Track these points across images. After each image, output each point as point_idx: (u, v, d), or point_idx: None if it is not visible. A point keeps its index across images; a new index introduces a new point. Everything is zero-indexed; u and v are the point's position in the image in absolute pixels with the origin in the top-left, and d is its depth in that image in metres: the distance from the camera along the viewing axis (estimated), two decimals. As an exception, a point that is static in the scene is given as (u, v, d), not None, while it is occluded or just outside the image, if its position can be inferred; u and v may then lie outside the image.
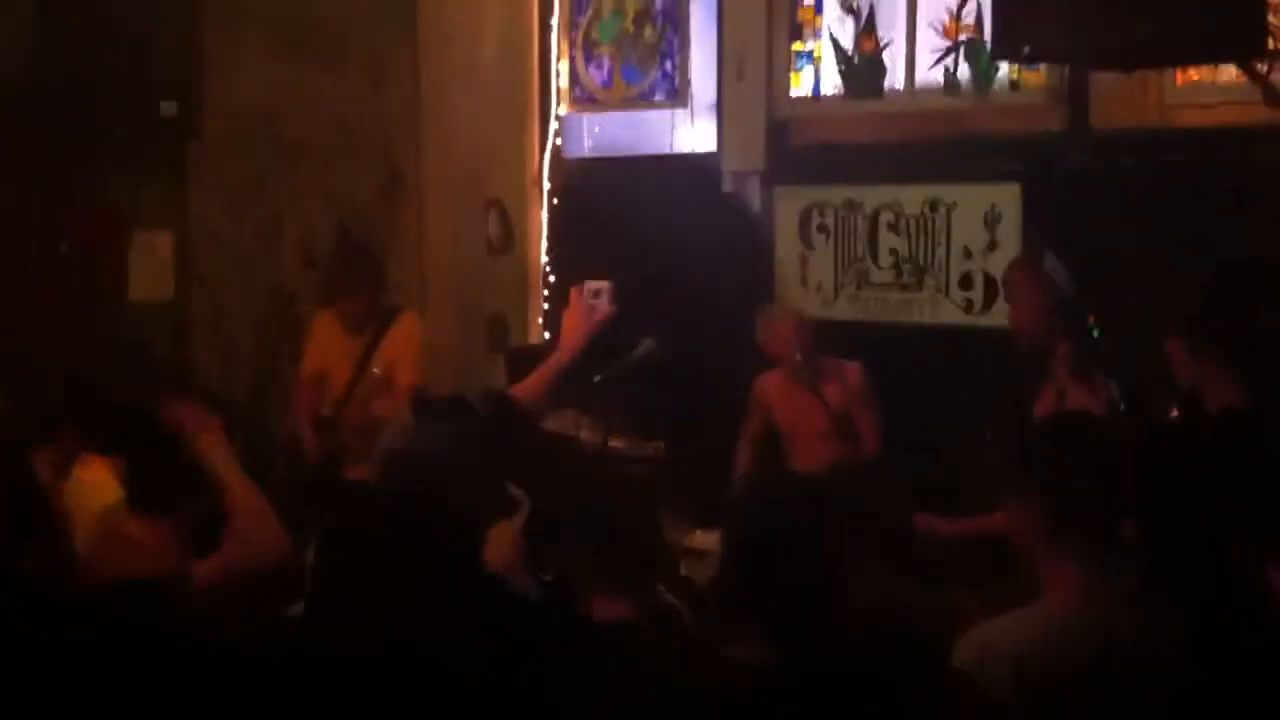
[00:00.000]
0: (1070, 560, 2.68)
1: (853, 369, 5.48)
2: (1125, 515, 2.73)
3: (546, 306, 7.07)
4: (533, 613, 2.94)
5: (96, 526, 3.35)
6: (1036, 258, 4.86)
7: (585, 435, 5.37)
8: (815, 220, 6.34)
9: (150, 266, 6.75)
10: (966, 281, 5.88)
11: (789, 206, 6.41)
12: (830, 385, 5.38)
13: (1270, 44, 4.23)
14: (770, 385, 5.63)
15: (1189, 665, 2.69)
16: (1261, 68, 4.04)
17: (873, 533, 3.81)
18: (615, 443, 5.52)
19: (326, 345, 5.92)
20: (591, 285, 3.56)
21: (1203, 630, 2.75)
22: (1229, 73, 4.95)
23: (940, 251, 5.97)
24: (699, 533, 4.79)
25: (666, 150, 6.84)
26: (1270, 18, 4.37)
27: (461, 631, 2.55)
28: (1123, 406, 3.83)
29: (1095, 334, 4.12)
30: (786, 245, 6.41)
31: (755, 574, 2.67)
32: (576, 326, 3.53)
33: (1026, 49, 3.86)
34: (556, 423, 5.34)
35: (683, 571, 4.55)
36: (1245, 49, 3.79)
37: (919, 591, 3.16)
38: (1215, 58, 4.45)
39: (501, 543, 3.29)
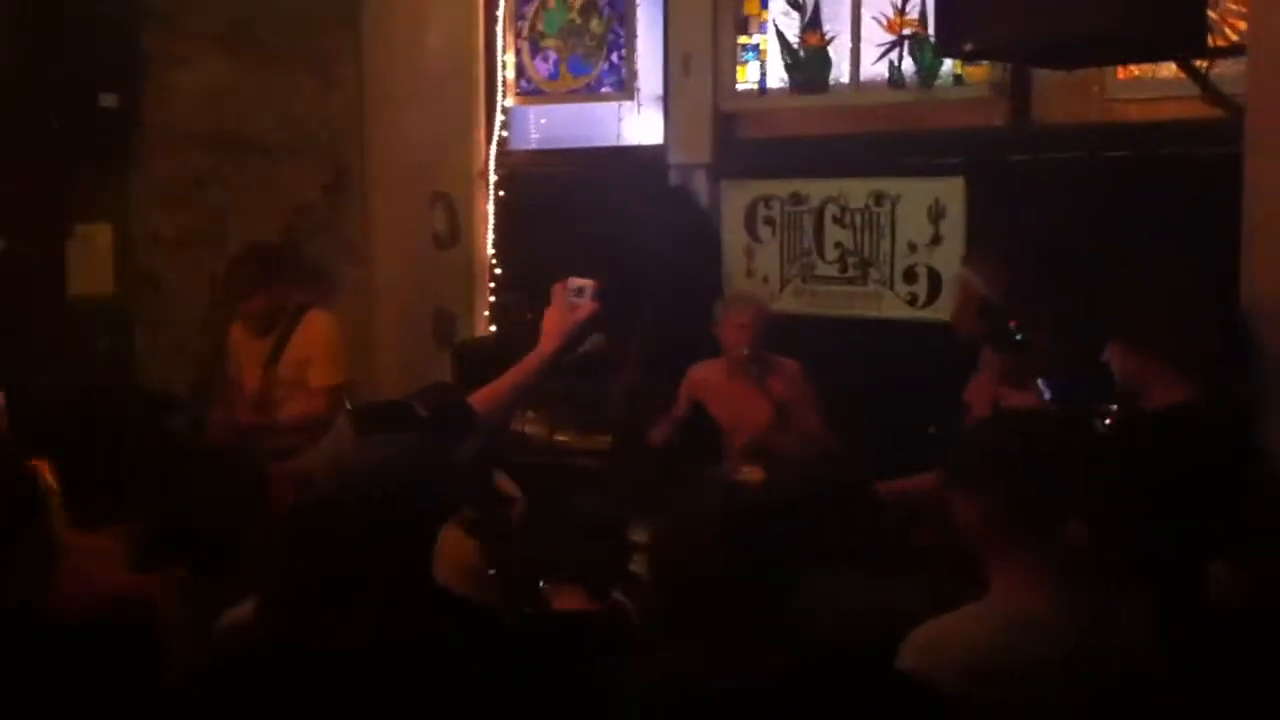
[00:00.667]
0: (1019, 556, 2.69)
1: (792, 365, 5.47)
2: (1074, 511, 2.74)
3: (493, 300, 7.05)
4: (480, 618, 2.92)
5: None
6: (973, 257, 4.88)
7: (531, 430, 5.36)
8: (761, 213, 6.35)
9: (89, 261, 6.66)
10: (911, 275, 5.90)
11: (735, 199, 6.42)
12: (773, 380, 5.37)
13: (1210, 42, 4.27)
14: (709, 376, 5.60)
15: (1140, 661, 2.70)
16: (1201, 65, 4.06)
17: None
18: (561, 437, 5.53)
19: (237, 352, 5.81)
20: (575, 282, 3.44)
21: (1153, 625, 2.77)
22: (1170, 68, 4.98)
23: (885, 245, 5.99)
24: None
25: (613, 142, 6.84)
26: (1210, 14, 4.43)
27: (406, 640, 2.53)
28: (1054, 407, 3.83)
29: (1018, 337, 4.12)
30: (733, 238, 6.42)
31: (691, 604, 2.63)
32: (558, 324, 3.40)
33: (969, 46, 3.87)
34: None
35: (631, 567, 4.55)
36: (1185, 47, 3.81)
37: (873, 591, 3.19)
38: (1156, 56, 4.47)
39: (457, 555, 3.27)
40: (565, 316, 3.40)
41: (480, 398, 3.33)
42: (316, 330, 5.70)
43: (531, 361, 3.40)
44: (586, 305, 3.41)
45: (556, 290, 3.44)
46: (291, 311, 5.69)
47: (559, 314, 3.41)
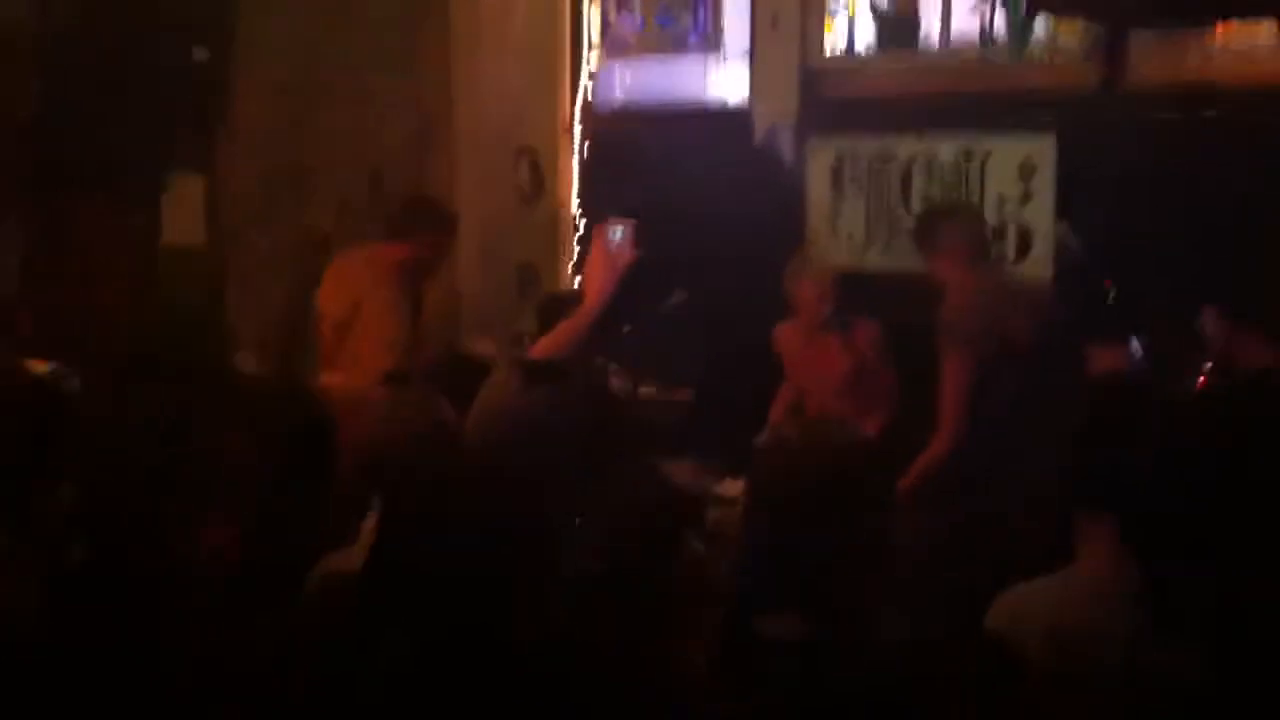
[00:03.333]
0: (1101, 524, 2.68)
1: (870, 326, 5.42)
2: (1158, 479, 2.72)
3: (577, 254, 7.07)
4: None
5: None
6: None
7: (615, 383, 5.37)
8: (848, 171, 6.32)
9: (184, 211, 6.77)
10: (1000, 232, 5.83)
11: (821, 157, 6.39)
12: (853, 339, 5.33)
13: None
14: (786, 337, 5.59)
15: (1220, 632, 2.69)
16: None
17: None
18: (645, 390, 5.55)
19: (402, 298, 5.61)
20: (613, 225, 3.37)
21: (1236, 598, 2.75)
22: (1268, 28, 4.90)
23: (974, 201, 5.93)
24: (728, 480, 4.82)
25: (699, 98, 6.81)
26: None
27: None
28: (1145, 366, 3.79)
29: (1110, 298, 4.08)
30: (818, 195, 6.39)
31: (787, 540, 2.64)
32: (601, 274, 3.32)
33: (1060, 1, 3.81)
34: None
35: (713, 516, 4.57)
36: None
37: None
38: (1254, 11, 4.38)
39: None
40: (607, 267, 3.32)
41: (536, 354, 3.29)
42: None
43: (582, 317, 3.31)
44: (626, 253, 3.33)
45: (596, 234, 3.37)
46: None
47: (601, 264, 3.31)
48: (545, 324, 6.64)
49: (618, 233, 3.35)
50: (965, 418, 4.44)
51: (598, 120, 7.08)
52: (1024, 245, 5.76)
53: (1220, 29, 5.24)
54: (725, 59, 6.72)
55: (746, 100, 6.62)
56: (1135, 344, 4.03)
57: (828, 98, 6.45)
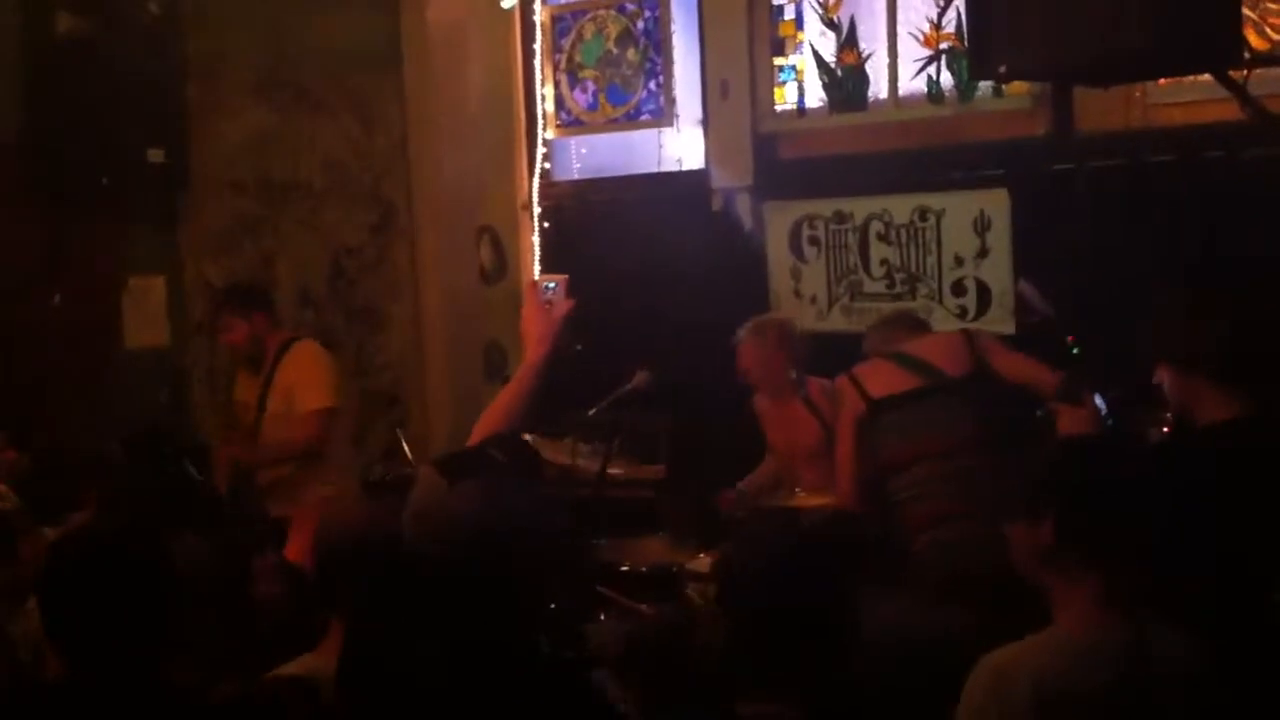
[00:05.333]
0: (1081, 582, 2.68)
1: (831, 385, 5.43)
2: (1133, 534, 2.73)
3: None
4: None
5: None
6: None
7: (584, 464, 5.36)
8: (806, 233, 6.34)
9: (145, 313, 6.75)
10: (959, 288, 5.88)
11: (779, 220, 6.41)
12: (820, 400, 5.32)
13: (1248, 40, 4.23)
14: (761, 404, 5.60)
15: (1206, 686, 2.69)
16: (1239, 76, 4.02)
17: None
18: (614, 469, 5.52)
19: (238, 391, 5.91)
20: (544, 280, 3.35)
21: (1217, 649, 2.75)
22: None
23: (931, 260, 5.97)
24: (703, 555, 4.80)
25: (655, 169, 6.85)
26: (1249, 13, 4.39)
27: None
28: (1111, 423, 3.79)
29: (1075, 352, 4.07)
30: (778, 259, 6.41)
31: (767, 631, 2.64)
32: (538, 326, 3.27)
33: (1002, 68, 3.84)
34: (554, 451, 5.33)
35: (689, 592, 4.57)
36: (1222, 60, 3.77)
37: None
38: (1192, 70, 4.42)
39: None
40: (544, 318, 3.35)
41: (484, 423, 3.27)
42: (301, 357, 5.76)
43: (525, 373, 3.24)
44: (562, 303, 3.34)
45: (529, 289, 3.39)
46: (280, 346, 5.75)
47: (538, 316, 3.33)
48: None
49: (551, 285, 3.37)
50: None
51: (557, 196, 7.10)
52: (983, 301, 5.78)
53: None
54: (679, 129, 6.76)
55: (702, 167, 6.65)
56: (1100, 400, 4.02)
57: (782, 161, 6.49)
